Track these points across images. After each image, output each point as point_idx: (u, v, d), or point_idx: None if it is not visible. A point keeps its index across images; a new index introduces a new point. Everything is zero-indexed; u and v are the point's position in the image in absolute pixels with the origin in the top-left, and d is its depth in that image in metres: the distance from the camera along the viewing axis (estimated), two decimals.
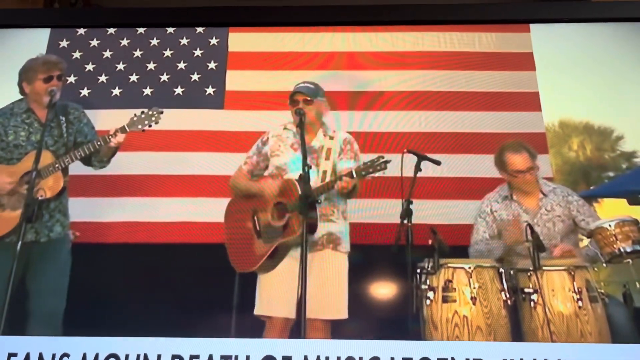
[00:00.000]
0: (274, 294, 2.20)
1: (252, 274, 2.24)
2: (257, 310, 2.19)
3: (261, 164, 2.39)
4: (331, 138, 2.37)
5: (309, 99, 2.36)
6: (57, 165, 2.31)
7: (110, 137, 2.34)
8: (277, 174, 2.33)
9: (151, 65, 2.74)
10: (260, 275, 2.24)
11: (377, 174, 2.19)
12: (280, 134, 2.40)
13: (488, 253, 2.28)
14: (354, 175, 2.20)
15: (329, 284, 2.18)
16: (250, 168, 2.39)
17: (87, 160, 2.41)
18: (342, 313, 2.15)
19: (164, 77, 2.71)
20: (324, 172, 2.29)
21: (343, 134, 2.41)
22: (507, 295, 2.09)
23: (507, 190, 2.38)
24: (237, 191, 2.38)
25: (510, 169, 2.36)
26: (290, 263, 2.22)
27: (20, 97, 2.47)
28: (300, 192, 2.18)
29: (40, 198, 2.23)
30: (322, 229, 2.25)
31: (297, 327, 2.00)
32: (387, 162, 2.19)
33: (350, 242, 2.28)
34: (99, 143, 2.35)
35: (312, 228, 2.19)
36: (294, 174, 2.27)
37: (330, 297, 2.16)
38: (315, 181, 2.24)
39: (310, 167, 2.18)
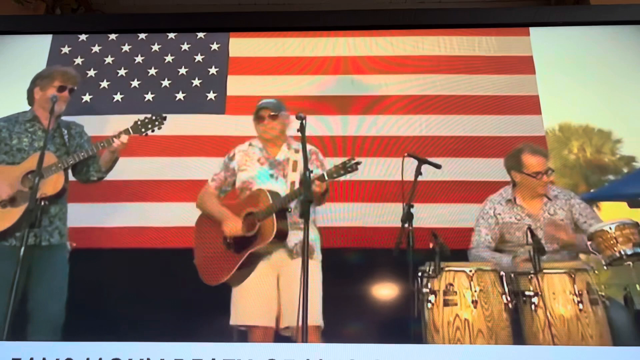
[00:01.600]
0: (253, 302, 2.20)
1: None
2: (234, 321, 2.18)
3: (229, 179, 2.41)
4: (296, 151, 2.38)
5: (273, 113, 2.39)
6: (59, 165, 2.33)
7: (113, 138, 2.36)
8: (244, 188, 2.34)
9: (152, 71, 2.75)
10: (233, 285, 2.24)
11: (348, 176, 2.20)
12: (246, 150, 2.42)
13: (488, 260, 2.28)
14: (326, 178, 2.21)
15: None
16: (218, 184, 2.41)
17: (84, 174, 2.43)
18: (318, 320, 2.14)
19: (165, 83, 2.72)
20: (292, 183, 2.31)
21: (307, 146, 2.41)
22: (508, 299, 2.09)
23: (510, 194, 2.38)
24: (203, 211, 2.38)
25: (528, 171, 2.35)
26: (265, 271, 2.24)
27: (26, 105, 2.49)
28: (272, 202, 2.22)
29: (41, 198, 2.24)
30: (294, 237, 2.25)
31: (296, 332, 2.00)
32: (357, 163, 2.22)
33: (321, 248, 2.28)
34: (102, 144, 2.37)
35: (281, 236, 2.22)
36: (261, 187, 2.30)
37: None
38: (283, 191, 2.27)
39: (311, 172, 2.18)
